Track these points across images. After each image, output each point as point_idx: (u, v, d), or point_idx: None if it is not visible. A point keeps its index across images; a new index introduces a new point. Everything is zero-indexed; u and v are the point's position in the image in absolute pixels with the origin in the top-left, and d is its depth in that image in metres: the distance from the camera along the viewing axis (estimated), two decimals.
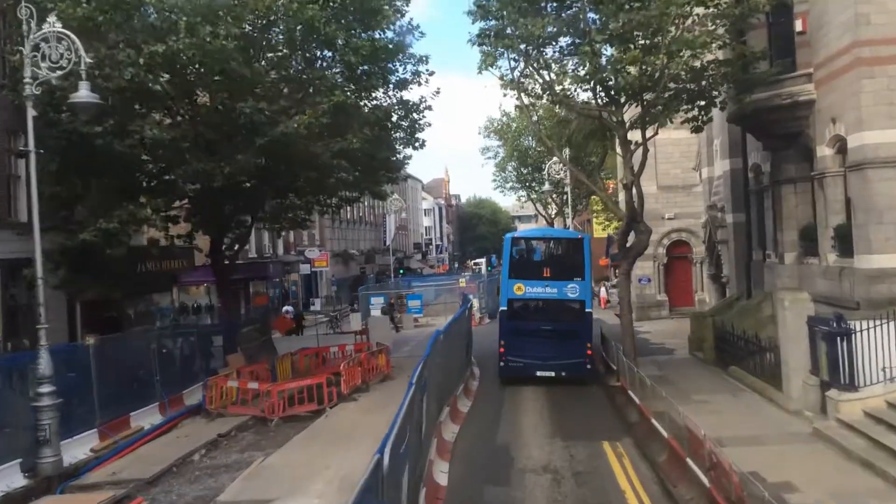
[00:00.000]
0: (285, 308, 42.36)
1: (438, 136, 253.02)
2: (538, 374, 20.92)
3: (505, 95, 22.40)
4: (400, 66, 23.54)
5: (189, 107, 18.81)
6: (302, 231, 49.94)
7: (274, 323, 27.89)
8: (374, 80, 21.25)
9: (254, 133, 17.74)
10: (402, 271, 59.48)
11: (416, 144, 26.41)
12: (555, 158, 37.95)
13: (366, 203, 69.54)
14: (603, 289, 42.67)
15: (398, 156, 28.13)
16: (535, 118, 23.07)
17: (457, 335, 19.60)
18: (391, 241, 73.39)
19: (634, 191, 20.19)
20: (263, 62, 19.16)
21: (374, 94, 22.60)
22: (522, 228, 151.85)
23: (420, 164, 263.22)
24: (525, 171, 48.24)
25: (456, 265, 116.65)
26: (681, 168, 36.40)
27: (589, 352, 21.12)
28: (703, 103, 19.72)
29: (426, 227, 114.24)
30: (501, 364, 21.83)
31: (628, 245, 21.02)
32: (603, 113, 20.88)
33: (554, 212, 52.19)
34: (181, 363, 21.55)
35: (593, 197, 54.17)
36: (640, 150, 20.54)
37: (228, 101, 17.63)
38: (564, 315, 21.23)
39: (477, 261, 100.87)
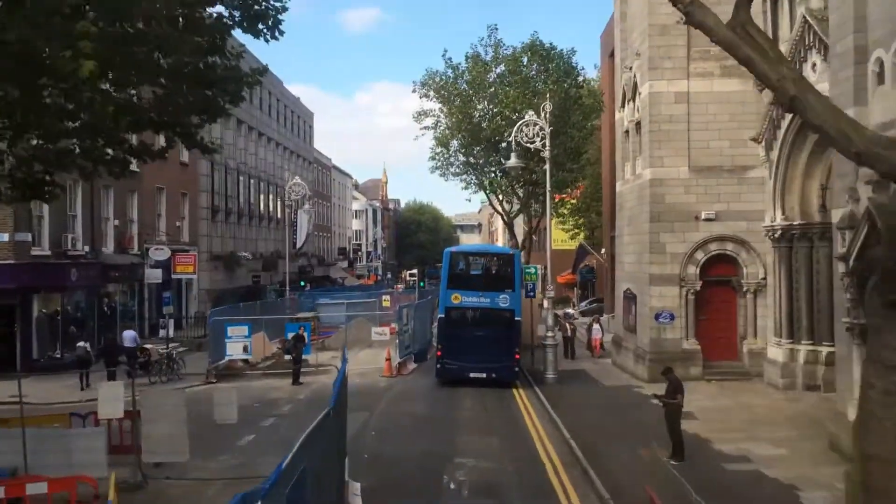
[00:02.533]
0: (127, 333, 27.28)
1: (382, 142, 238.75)
2: (471, 375, 22.67)
3: None
4: None
5: None
6: (151, 222, 34.70)
7: None
8: None
9: None
10: (302, 283, 44.37)
11: (262, 26, 12.46)
12: (530, 114, 23.93)
13: (268, 194, 54.30)
14: (597, 325, 28.29)
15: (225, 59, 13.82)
16: None
17: None
18: (302, 244, 58.35)
19: None
20: None
21: None
22: (465, 240, 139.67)
23: (355, 165, 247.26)
24: (478, 150, 33.84)
25: (388, 275, 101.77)
26: (729, 140, 22.70)
27: (517, 356, 22.95)
28: None
29: (356, 231, 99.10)
30: (438, 366, 23.59)
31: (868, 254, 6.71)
32: None
33: (514, 208, 37.99)
34: None
35: (560, 197, 40.64)
36: None
37: None
38: (496, 322, 23.09)
39: (413, 272, 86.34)
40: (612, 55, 43.14)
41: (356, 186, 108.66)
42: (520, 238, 41.01)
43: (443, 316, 23.73)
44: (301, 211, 54.10)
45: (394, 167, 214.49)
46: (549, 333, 23.62)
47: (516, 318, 23.02)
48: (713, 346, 22.78)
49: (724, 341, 22.94)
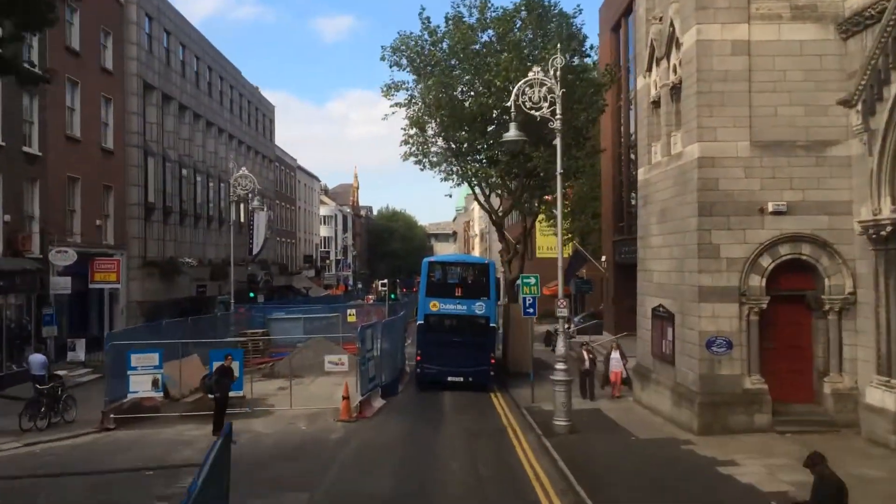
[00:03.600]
0: (34, 357, 21.08)
1: (353, 150, 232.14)
2: (449, 379, 23.73)
3: None
4: None
5: None
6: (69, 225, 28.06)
7: None
8: None
9: None
10: (252, 294, 37.95)
11: None
12: (535, 71, 17.98)
13: (219, 192, 47.72)
14: (616, 354, 22.03)
15: None
16: None
17: None
18: (259, 249, 51.94)
19: None
20: None
21: None
22: (439, 249, 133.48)
23: (326, 172, 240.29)
24: (462, 133, 27.75)
25: (360, 285, 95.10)
26: (803, 105, 16.87)
27: (492, 360, 24.37)
28: None
29: (324, 238, 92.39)
30: (418, 371, 24.72)
31: None
32: None
33: (502, 205, 31.92)
34: None
35: (552, 195, 34.70)
36: None
37: None
38: (472, 329, 24.40)
39: (384, 282, 79.67)
40: (615, 28, 37.44)
41: (325, 191, 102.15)
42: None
43: (422, 322, 24.76)
44: (257, 211, 47.64)
45: (366, 176, 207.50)
46: (561, 365, 17.56)
47: (491, 325, 24.52)
48: (781, 383, 16.85)
49: (796, 377, 17.02)
